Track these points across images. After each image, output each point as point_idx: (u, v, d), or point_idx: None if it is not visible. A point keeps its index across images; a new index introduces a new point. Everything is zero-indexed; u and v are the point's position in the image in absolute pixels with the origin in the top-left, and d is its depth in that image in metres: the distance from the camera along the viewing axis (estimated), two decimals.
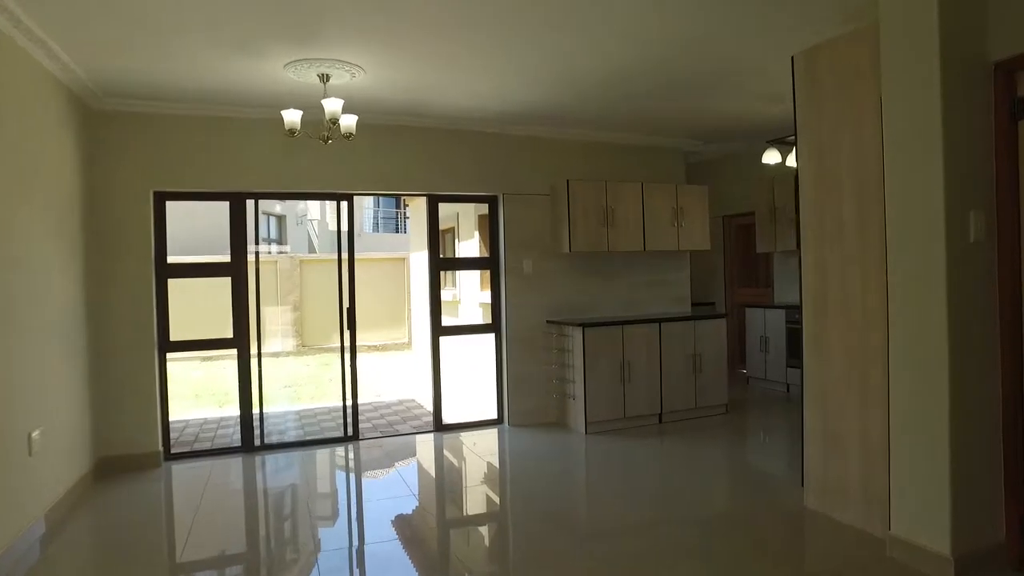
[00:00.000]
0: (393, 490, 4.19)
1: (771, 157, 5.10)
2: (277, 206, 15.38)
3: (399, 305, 13.43)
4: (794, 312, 6.76)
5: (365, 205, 24.13)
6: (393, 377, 9.47)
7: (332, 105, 3.90)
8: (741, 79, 4.61)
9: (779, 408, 6.30)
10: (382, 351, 12.95)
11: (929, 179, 2.69)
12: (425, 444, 5.36)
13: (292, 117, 4.01)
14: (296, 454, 5.07)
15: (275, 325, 12.17)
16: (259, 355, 5.22)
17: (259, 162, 4.97)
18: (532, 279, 5.83)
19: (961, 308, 2.68)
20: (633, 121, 5.72)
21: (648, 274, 6.38)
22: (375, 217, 24.52)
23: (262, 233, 16.30)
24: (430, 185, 5.55)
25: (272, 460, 4.92)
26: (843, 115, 3.30)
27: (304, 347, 13.05)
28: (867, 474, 3.22)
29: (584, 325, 5.36)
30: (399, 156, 5.39)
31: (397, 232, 23.54)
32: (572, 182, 5.60)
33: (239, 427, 5.11)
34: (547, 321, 5.85)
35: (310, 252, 17.82)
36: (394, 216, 24.20)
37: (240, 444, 5.09)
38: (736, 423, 5.76)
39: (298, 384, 9.37)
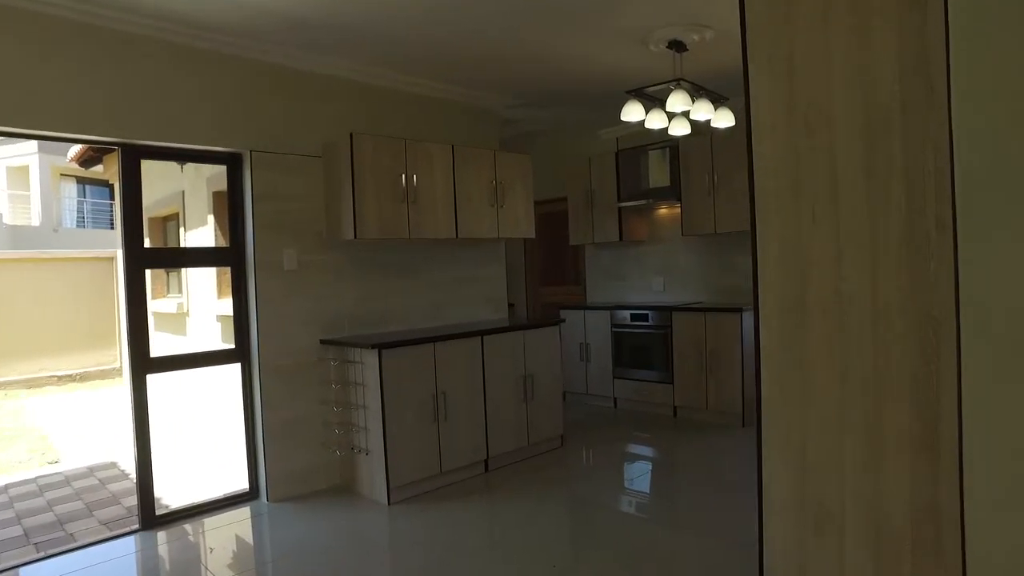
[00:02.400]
0: None
1: (632, 113, 3.90)
2: None
3: (108, 319, 10.22)
4: (623, 314, 5.75)
5: (66, 195, 19.23)
6: (89, 425, 6.69)
7: None
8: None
9: (620, 433, 5.19)
10: (82, 383, 9.68)
11: None
12: (114, 566, 3.17)
13: None
14: None
15: None
16: None
17: None
18: (298, 279, 3.93)
19: None
20: (441, 62, 4.14)
21: (457, 269, 4.84)
22: (81, 209, 19.66)
23: None
24: (126, 128, 3.36)
25: None
26: (832, 6, 2.08)
27: None
28: (884, 567, 2.04)
29: (380, 345, 3.64)
30: (69, 74, 3.14)
31: (113, 229, 19.04)
32: (358, 137, 3.83)
33: None
34: (322, 341, 4.00)
35: None
36: (108, 208, 19.62)
37: None
38: (582, 461, 4.49)
39: None
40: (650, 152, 5.87)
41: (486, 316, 5.01)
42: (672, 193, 5.66)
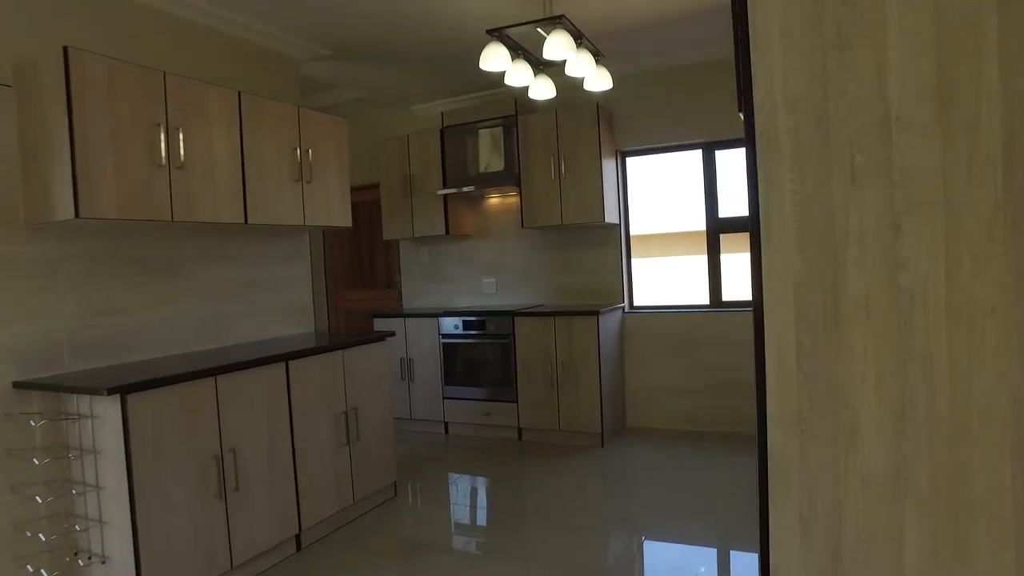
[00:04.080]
0: None
1: (493, 59, 2.95)
2: None
3: None
4: (453, 321, 4.81)
5: None
6: None
7: None
8: None
9: (459, 465, 4.22)
10: None
11: None
12: None
13: None
14: None
15: None
16: None
17: None
18: None
19: None
20: None
21: (247, 268, 3.52)
22: None
23: None
24: None
25: None
26: None
27: None
28: None
29: (124, 388, 2.28)
30: None
31: None
32: (81, 56, 2.40)
33: None
34: (18, 385, 2.47)
35: None
36: None
37: None
38: (422, 512, 3.45)
39: None
40: (481, 131, 5.02)
41: (287, 331, 3.75)
42: (508, 178, 4.86)
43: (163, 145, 2.64)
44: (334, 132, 3.57)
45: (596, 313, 4.29)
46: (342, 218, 3.65)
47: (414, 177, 5.19)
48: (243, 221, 3.03)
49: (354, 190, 5.97)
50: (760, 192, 1.55)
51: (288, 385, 2.96)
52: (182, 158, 2.70)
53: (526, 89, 3.34)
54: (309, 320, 3.94)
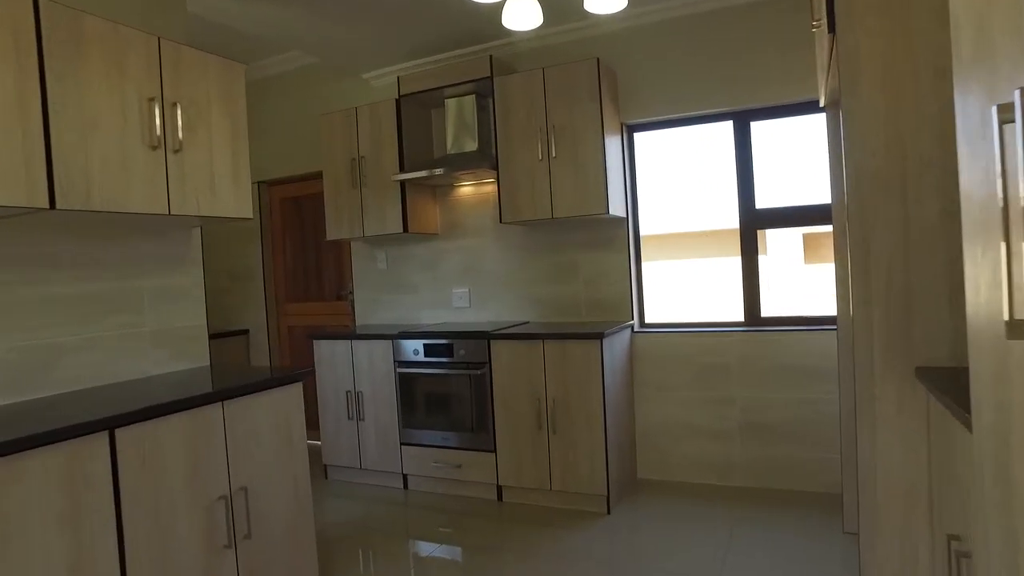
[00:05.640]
0: None
1: None
2: None
3: None
4: (412, 345, 3.70)
5: None
6: None
7: None
8: None
9: (419, 533, 3.09)
10: None
11: None
12: None
13: None
14: None
15: None
16: None
17: None
18: None
19: None
20: None
21: (90, 278, 2.39)
22: None
23: None
24: None
25: None
26: None
27: None
28: None
29: None
30: None
31: None
32: None
33: None
34: None
35: None
36: None
37: None
38: None
39: None
40: (448, 100, 3.93)
41: (162, 368, 2.62)
42: (483, 160, 3.76)
43: None
44: (222, 79, 2.45)
45: (599, 336, 3.19)
46: (236, 206, 2.53)
47: (364, 160, 4.08)
48: (47, 205, 1.91)
49: (297, 180, 4.87)
50: None
51: (115, 467, 1.83)
52: None
53: (499, 12, 2.25)
54: (202, 350, 2.81)
